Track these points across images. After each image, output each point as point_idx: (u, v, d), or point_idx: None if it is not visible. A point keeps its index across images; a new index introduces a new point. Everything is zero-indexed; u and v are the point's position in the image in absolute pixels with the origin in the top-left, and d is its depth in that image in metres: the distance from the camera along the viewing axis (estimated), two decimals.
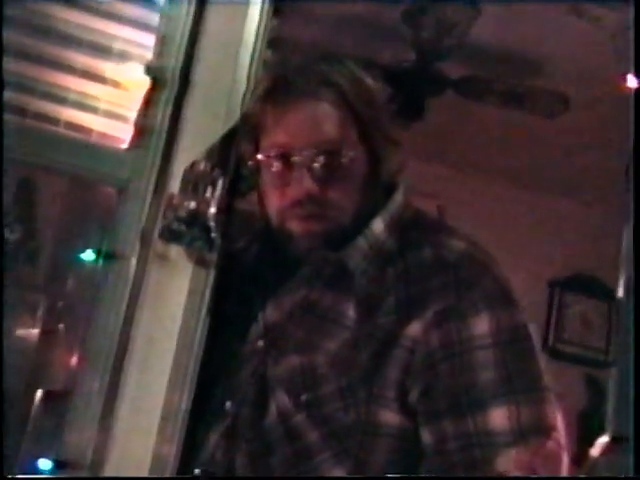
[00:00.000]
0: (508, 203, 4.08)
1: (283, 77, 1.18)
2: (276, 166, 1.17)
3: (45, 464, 1.15)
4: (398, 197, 1.22)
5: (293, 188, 1.16)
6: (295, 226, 1.18)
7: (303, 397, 1.12)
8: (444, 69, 3.08)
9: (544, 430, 1.07)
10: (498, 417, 1.06)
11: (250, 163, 1.21)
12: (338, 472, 1.11)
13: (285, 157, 1.16)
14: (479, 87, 3.13)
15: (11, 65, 1.28)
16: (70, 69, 1.30)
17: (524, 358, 1.10)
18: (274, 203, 1.19)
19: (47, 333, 1.82)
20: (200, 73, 1.27)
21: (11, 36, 1.29)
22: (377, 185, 1.20)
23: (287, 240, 1.20)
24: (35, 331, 1.86)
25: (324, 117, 1.16)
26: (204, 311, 1.20)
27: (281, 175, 1.17)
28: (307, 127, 1.16)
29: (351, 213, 1.17)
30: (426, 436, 1.09)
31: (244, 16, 1.28)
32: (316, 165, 1.15)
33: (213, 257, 1.20)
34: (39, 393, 1.61)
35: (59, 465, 1.14)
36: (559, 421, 1.09)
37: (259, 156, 1.19)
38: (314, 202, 1.16)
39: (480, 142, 3.74)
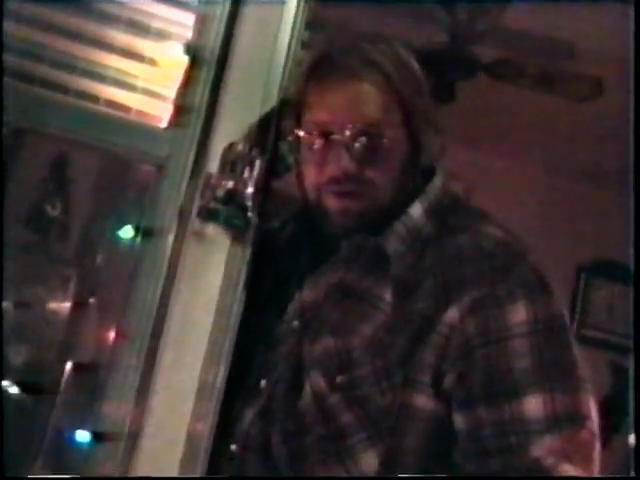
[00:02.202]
0: (537, 187, 4.05)
1: (328, 55, 1.19)
2: (317, 143, 1.18)
3: (83, 436, 1.17)
4: (437, 182, 1.22)
5: (331, 166, 1.17)
6: (331, 202, 1.18)
7: (338, 379, 1.13)
8: (476, 52, 3.05)
9: (578, 419, 1.08)
10: (533, 405, 1.06)
11: (290, 139, 1.21)
12: (371, 454, 1.12)
13: (325, 135, 1.17)
14: (511, 70, 3.09)
15: (52, 42, 1.30)
16: (109, 47, 1.30)
17: (560, 347, 1.11)
18: (311, 180, 1.20)
19: (78, 306, 1.85)
20: (239, 53, 1.26)
21: (52, 14, 1.30)
22: (416, 169, 1.21)
23: (323, 217, 1.21)
24: (67, 304, 1.89)
25: (367, 98, 1.16)
26: (240, 289, 1.20)
27: (320, 152, 1.18)
28: (349, 107, 1.16)
29: (388, 194, 1.18)
30: (460, 422, 1.10)
31: None
32: (356, 145, 1.15)
33: (249, 236, 1.21)
34: (69, 365, 1.64)
35: (97, 437, 1.15)
36: (593, 410, 1.09)
37: (300, 132, 1.19)
38: (351, 180, 1.16)
39: (511, 126, 3.71)
